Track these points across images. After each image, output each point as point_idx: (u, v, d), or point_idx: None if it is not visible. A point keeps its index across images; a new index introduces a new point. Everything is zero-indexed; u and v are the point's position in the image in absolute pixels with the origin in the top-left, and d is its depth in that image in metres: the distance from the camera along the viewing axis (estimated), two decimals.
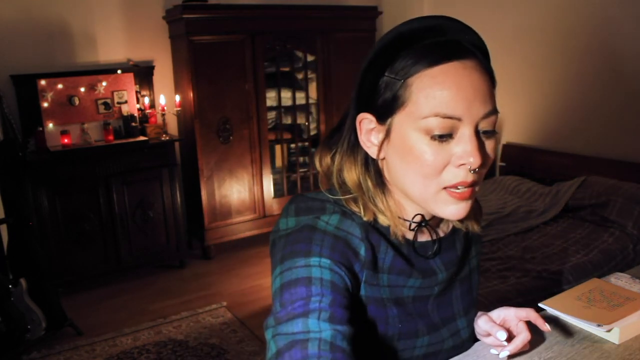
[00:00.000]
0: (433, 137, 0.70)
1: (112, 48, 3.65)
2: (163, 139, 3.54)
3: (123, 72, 3.53)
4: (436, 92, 0.69)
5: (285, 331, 0.66)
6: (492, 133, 0.73)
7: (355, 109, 0.78)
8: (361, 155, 0.79)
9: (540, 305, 1.08)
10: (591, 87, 3.33)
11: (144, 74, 3.69)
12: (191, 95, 3.57)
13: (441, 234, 0.86)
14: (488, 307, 2.30)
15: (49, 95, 3.29)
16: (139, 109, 3.61)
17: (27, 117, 3.30)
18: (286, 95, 3.99)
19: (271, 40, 3.82)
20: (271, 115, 3.96)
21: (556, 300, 1.08)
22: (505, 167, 3.83)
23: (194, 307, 3.10)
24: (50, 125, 3.31)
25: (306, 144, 4.17)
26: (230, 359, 2.56)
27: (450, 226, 0.88)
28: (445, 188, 0.72)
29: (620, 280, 1.16)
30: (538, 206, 3.10)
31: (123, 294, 3.32)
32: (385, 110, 0.74)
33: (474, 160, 0.69)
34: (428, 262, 0.82)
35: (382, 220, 0.78)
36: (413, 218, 0.80)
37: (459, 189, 0.72)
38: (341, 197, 0.79)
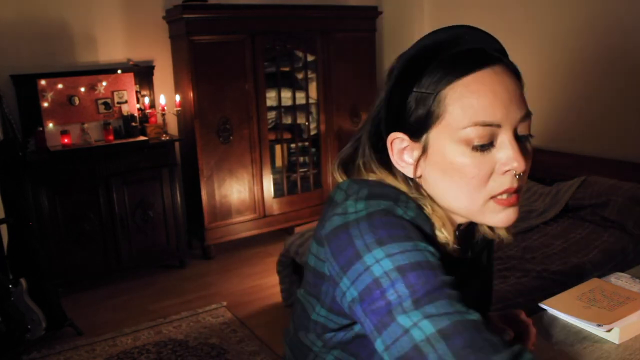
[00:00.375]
0: (474, 148, 0.69)
1: (112, 48, 3.65)
2: (163, 139, 3.54)
3: (123, 72, 3.53)
4: (472, 101, 0.68)
5: (437, 312, 0.62)
6: (528, 137, 0.72)
7: (385, 129, 0.76)
8: (400, 174, 0.77)
9: (540, 305, 1.08)
10: (591, 87, 3.33)
11: (144, 74, 3.69)
12: (191, 95, 3.57)
13: (470, 250, 0.86)
14: None
15: (49, 95, 3.29)
16: (139, 109, 3.61)
17: (27, 117, 3.30)
18: (286, 95, 3.99)
19: (271, 40, 3.82)
20: (271, 115, 3.96)
21: (556, 300, 1.08)
22: None
23: (194, 307, 3.10)
24: (50, 125, 3.31)
25: (306, 143, 4.17)
26: (230, 359, 2.56)
27: (478, 244, 0.86)
28: (492, 197, 0.71)
29: (620, 280, 1.16)
30: (538, 206, 3.10)
31: (123, 294, 3.32)
32: (419, 127, 0.72)
33: (519, 165, 0.69)
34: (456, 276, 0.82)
35: (439, 237, 0.75)
36: (460, 227, 0.79)
37: (504, 196, 0.71)
38: (416, 196, 0.75)
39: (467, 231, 0.83)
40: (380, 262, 0.65)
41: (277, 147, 4.07)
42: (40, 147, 3.22)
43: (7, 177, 2.78)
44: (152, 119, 3.64)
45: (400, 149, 0.75)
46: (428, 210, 0.74)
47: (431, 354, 0.59)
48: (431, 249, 0.68)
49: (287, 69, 3.99)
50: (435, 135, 0.71)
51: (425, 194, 0.75)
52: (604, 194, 2.90)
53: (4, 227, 2.76)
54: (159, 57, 3.81)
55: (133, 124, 3.50)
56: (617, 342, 0.95)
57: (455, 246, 0.74)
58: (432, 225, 0.73)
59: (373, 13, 4.22)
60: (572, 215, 2.99)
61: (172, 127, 3.85)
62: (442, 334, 0.60)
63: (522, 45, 3.68)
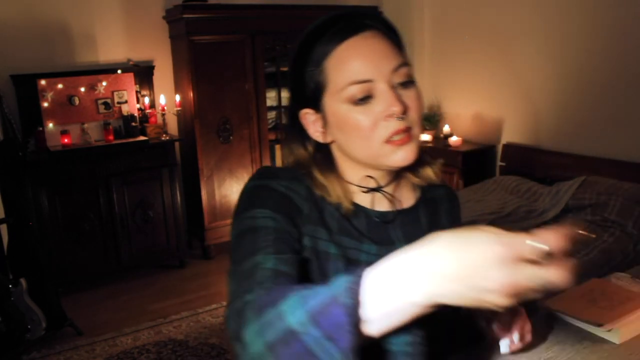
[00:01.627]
0: (356, 103, 0.80)
1: (112, 48, 3.65)
2: (163, 139, 3.54)
3: (123, 72, 3.53)
4: (345, 66, 0.80)
5: (237, 270, 0.74)
6: (408, 83, 0.82)
7: (296, 107, 0.88)
8: (311, 145, 0.89)
9: (540, 305, 1.08)
10: (591, 87, 3.33)
11: (144, 74, 3.69)
12: (191, 95, 3.57)
13: (403, 206, 0.91)
14: None
15: (49, 95, 3.29)
16: (139, 109, 3.61)
17: (27, 117, 3.30)
18: (286, 95, 3.99)
19: (271, 40, 3.81)
20: (271, 115, 3.96)
21: (556, 300, 1.08)
22: (505, 167, 3.83)
23: (194, 307, 3.10)
24: (50, 125, 3.31)
25: None
26: (230, 359, 2.56)
27: (413, 201, 0.93)
28: (386, 142, 0.80)
29: (620, 280, 1.16)
30: (538, 206, 3.10)
31: (123, 294, 3.32)
32: (315, 99, 0.84)
33: (397, 109, 0.78)
34: (387, 231, 0.88)
35: (329, 199, 0.85)
36: (364, 181, 0.87)
37: (396, 137, 0.80)
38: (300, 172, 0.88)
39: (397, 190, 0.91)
40: (231, 232, 0.81)
41: (277, 147, 4.06)
42: (40, 147, 3.22)
43: (7, 177, 2.78)
44: (152, 119, 3.64)
45: (311, 122, 0.86)
46: (317, 178, 0.85)
47: (228, 321, 0.65)
48: (267, 213, 0.79)
49: (287, 69, 3.98)
50: (327, 102, 0.83)
51: (319, 168, 0.86)
52: (604, 194, 2.90)
53: (4, 227, 2.76)
54: (159, 57, 3.81)
55: (133, 124, 3.50)
56: (617, 342, 0.95)
57: (350, 206, 0.85)
58: (311, 189, 0.84)
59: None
60: (572, 215, 2.99)
61: (172, 127, 3.85)
62: (232, 293, 0.69)
63: (524, 45, 3.68)
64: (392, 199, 0.89)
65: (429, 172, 0.92)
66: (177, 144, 3.72)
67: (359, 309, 0.54)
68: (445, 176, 4.01)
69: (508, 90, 3.82)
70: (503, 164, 3.87)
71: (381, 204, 0.89)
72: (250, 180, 0.86)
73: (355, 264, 0.83)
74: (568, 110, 3.48)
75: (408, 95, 0.81)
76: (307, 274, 0.79)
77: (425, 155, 0.91)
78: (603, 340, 0.97)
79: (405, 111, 0.79)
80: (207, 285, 3.40)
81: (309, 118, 0.87)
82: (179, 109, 3.66)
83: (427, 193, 0.95)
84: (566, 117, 3.50)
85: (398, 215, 0.90)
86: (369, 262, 0.80)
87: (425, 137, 4.23)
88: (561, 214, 3.00)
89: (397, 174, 0.88)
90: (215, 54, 3.59)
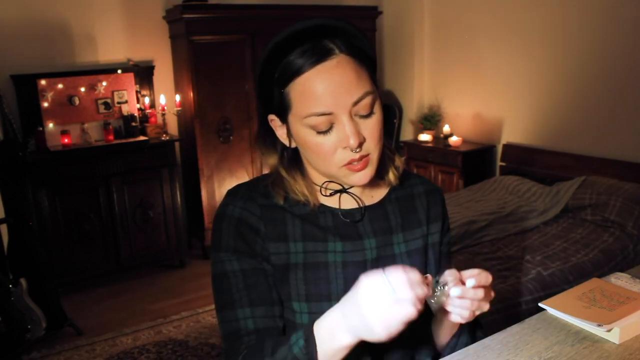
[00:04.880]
0: (318, 132, 0.83)
1: (112, 48, 3.65)
2: (163, 139, 3.54)
3: (123, 72, 3.53)
4: (308, 96, 0.81)
5: (222, 318, 0.89)
6: (368, 115, 0.84)
7: (263, 111, 0.91)
8: (279, 145, 0.93)
9: (540, 305, 1.08)
10: (591, 87, 3.33)
11: (144, 74, 3.69)
12: (191, 95, 3.57)
13: (372, 202, 0.95)
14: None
15: (49, 95, 3.29)
16: (139, 109, 3.61)
17: (27, 117, 3.30)
18: None
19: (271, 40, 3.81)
20: None
21: (556, 300, 1.08)
22: (505, 167, 3.83)
23: (194, 307, 3.10)
24: (50, 125, 3.31)
25: None
26: None
27: (379, 198, 0.96)
28: (343, 166, 0.85)
29: (620, 280, 1.16)
30: (538, 206, 3.10)
31: (123, 294, 3.32)
32: (281, 112, 0.87)
33: (353, 142, 0.82)
34: (355, 227, 0.92)
35: (295, 197, 0.90)
36: (323, 184, 0.92)
37: (352, 164, 0.84)
38: (268, 181, 0.93)
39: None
40: (211, 268, 0.95)
41: None
42: (40, 147, 3.22)
43: (7, 177, 2.78)
44: (152, 119, 3.64)
45: (277, 127, 0.90)
46: (284, 177, 0.91)
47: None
48: (230, 256, 0.89)
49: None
50: (291, 120, 0.86)
51: (285, 167, 0.92)
52: (604, 194, 2.90)
53: (4, 227, 2.76)
54: (159, 57, 3.81)
55: (133, 124, 3.50)
56: (617, 342, 0.95)
57: (316, 204, 0.91)
58: (271, 204, 0.90)
59: (373, 13, 4.22)
60: (572, 215, 2.99)
61: (172, 127, 3.85)
62: (223, 338, 0.89)
63: (523, 45, 3.68)
64: (357, 198, 0.94)
65: (390, 176, 0.96)
66: (177, 144, 3.72)
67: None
68: (445, 176, 4.01)
69: (508, 90, 3.82)
70: (503, 164, 3.88)
71: (348, 203, 0.93)
72: (219, 205, 0.93)
73: (319, 267, 0.89)
74: (568, 110, 3.48)
75: (367, 124, 0.84)
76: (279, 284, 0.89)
77: (389, 155, 0.96)
78: (603, 340, 0.97)
79: (361, 144, 0.83)
80: (207, 285, 3.38)
81: (275, 123, 0.90)
82: (179, 109, 3.66)
83: (402, 190, 0.99)
84: (566, 117, 3.50)
85: (365, 211, 0.94)
86: (343, 262, 0.90)
87: (425, 137, 4.23)
88: (561, 214, 3.01)
89: None
90: (215, 54, 3.59)
